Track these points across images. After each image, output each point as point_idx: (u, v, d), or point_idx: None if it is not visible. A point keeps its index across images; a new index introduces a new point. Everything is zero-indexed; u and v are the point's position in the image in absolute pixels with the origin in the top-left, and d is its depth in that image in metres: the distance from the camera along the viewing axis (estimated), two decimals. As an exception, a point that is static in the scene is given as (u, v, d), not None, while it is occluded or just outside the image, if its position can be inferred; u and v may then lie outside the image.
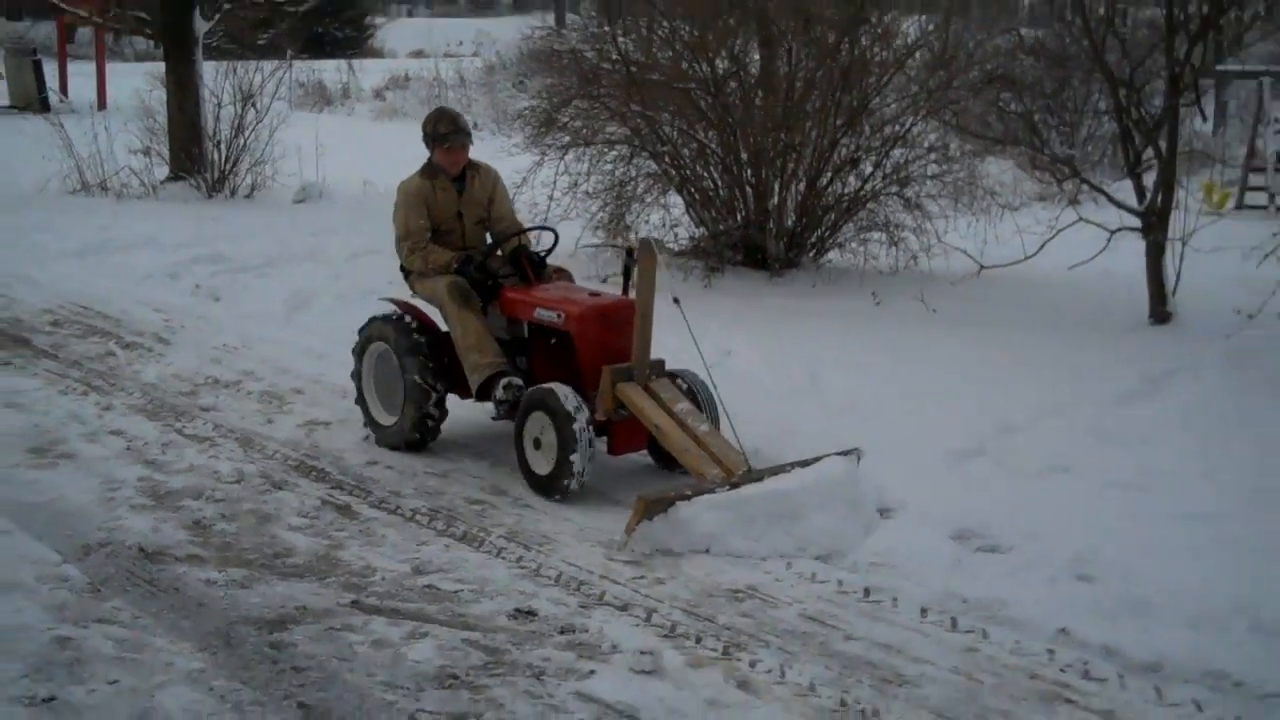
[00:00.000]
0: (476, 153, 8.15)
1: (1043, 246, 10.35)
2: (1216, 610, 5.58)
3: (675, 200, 12.70)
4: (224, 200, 16.88)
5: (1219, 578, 5.84)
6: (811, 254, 12.29)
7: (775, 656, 5.35)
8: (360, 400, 8.10)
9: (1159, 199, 10.01)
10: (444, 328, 7.84)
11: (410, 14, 69.61)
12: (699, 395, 7.35)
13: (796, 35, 12.11)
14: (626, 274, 7.67)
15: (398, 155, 19.97)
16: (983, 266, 10.74)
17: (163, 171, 17.60)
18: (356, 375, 8.10)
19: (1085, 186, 11.37)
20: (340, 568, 6.19)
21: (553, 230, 8.34)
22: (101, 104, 27.22)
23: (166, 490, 7.18)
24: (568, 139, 12.50)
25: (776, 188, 11.90)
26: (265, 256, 12.92)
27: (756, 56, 12.58)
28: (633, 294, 7.34)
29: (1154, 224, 9.98)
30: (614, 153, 12.54)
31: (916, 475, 6.90)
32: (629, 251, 7.61)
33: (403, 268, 8.13)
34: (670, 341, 7.47)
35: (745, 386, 8.22)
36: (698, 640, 5.49)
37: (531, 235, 8.29)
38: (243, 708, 4.87)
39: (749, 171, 11.90)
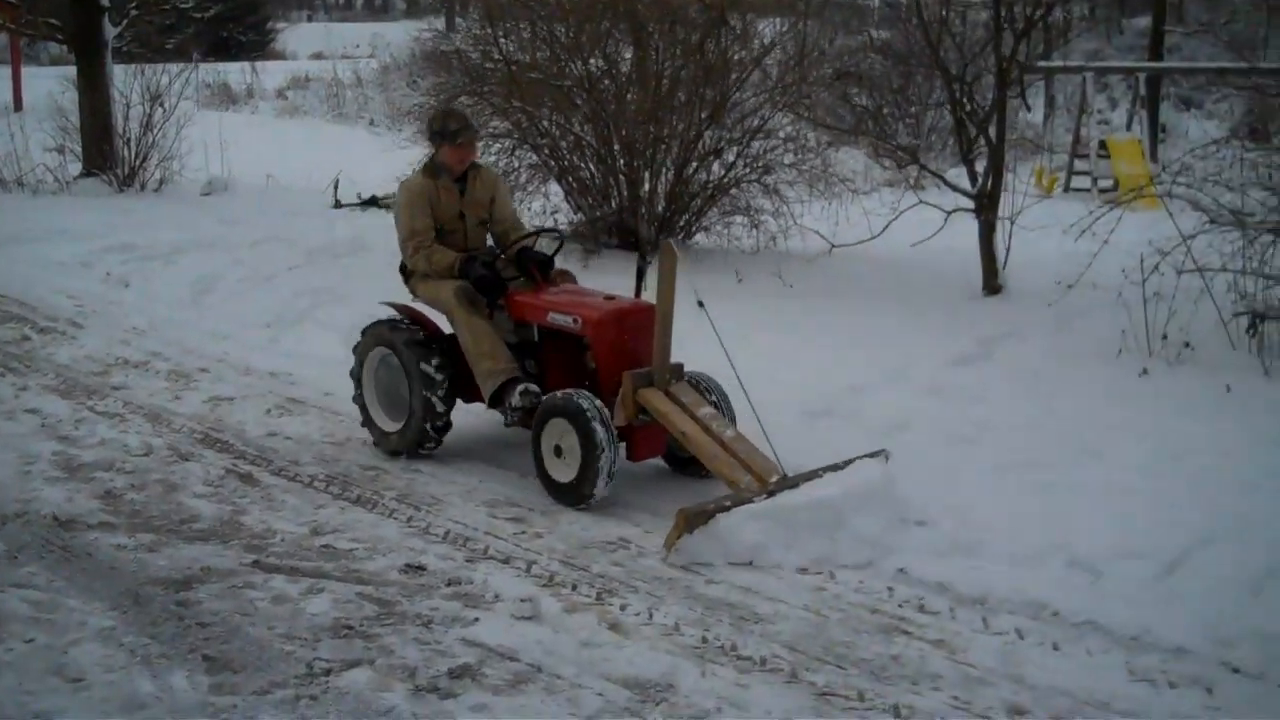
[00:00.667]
0: (376, 148, 7.98)
1: (887, 227, 10.52)
2: (1036, 548, 5.75)
3: (555, 189, 12.68)
4: (134, 194, 16.54)
5: (1039, 519, 6.00)
6: (680, 236, 12.33)
7: (644, 600, 5.41)
8: (361, 406, 7.44)
9: (989, 183, 10.20)
10: (448, 331, 7.25)
11: (310, 19, 68.55)
12: (717, 399, 6.82)
13: (664, 36, 12.15)
14: (639, 276, 7.07)
15: (298, 150, 19.87)
16: (834, 246, 10.91)
17: (76, 168, 17.24)
18: (357, 381, 7.43)
19: (926, 172, 11.55)
20: (243, 531, 6.14)
21: (559, 232, 7.73)
22: (17, 105, 26.60)
23: (79, 463, 7.06)
24: (454, 133, 12.43)
25: (647, 176, 11.95)
26: (173, 245, 12.69)
27: (628, 56, 12.60)
28: (645, 296, 6.85)
29: (985, 205, 10.17)
30: (498, 145, 12.51)
31: (772, 433, 6.97)
32: (641, 253, 6.89)
33: (402, 269, 7.45)
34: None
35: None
36: (573, 588, 5.53)
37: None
38: (151, 661, 4.82)
39: (622, 162, 11.91)
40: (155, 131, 16.89)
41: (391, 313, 7.38)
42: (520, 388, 6.82)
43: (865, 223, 10.99)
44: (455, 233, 7.35)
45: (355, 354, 7.45)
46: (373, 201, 15.05)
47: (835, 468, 6.12)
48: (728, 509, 5.81)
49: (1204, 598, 5.28)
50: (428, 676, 4.73)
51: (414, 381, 7.04)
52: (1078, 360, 8.23)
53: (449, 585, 5.53)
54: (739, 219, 12.30)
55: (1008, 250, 10.19)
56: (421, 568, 5.71)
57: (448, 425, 7.18)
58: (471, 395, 7.22)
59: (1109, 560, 5.60)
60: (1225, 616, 5.12)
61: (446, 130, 7.25)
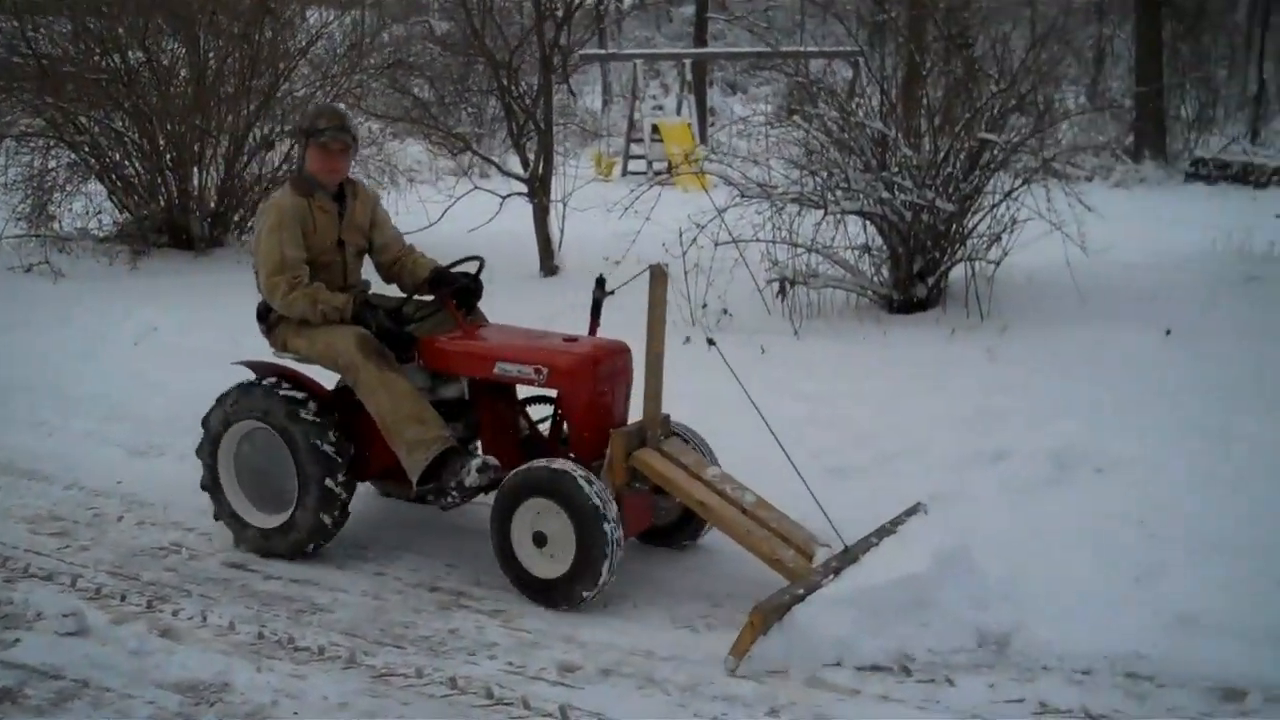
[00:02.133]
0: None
1: (444, 214, 10.66)
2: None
3: (98, 188, 12.17)
4: None
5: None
6: (236, 233, 12.09)
7: (198, 604, 5.30)
8: (216, 497, 5.84)
9: (540, 167, 10.50)
10: (329, 387, 5.80)
11: None
12: (708, 454, 5.70)
13: (207, 26, 11.85)
14: (595, 309, 5.83)
15: None
16: (391, 236, 10.95)
17: None
18: (210, 462, 5.80)
19: (480, 158, 11.78)
20: None
21: (479, 258, 6.13)
22: None
23: None
24: (-23, 135, 11.74)
25: (196, 172, 11.65)
26: None
27: (170, 48, 12.21)
28: (601, 334, 5.77)
29: (538, 189, 10.47)
30: (31, 145, 11.87)
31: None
32: (599, 281, 5.72)
33: (262, 314, 5.84)
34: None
35: (175, 356, 8.11)
36: (122, 598, 5.35)
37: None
38: None
39: (169, 157, 11.55)
40: None
41: (253, 374, 5.79)
42: (477, 462, 5.37)
43: (424, 210, 11.08)
44: (332, 265, 5.79)
45: (205, 427, 5.83)
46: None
47: (886, 532, 5.13)
48: (802, 598, 4.70)
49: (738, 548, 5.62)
50: (-39, 706, 4.48)
51: (305, 464, 5.52)
52: (626, 333, 8.53)
53: (-15, 609, 5.25)
54: (296, 212, 12.14)
55: (562, 232, 10.51)
56: (-47, 594, 5.38)
57: (346, 515, 5.69)
58: (369, 473, 5.84)
59: (656, 519, 5.88)
60: (758, 563, 5.47)
61: (314, 128, 5.72)
